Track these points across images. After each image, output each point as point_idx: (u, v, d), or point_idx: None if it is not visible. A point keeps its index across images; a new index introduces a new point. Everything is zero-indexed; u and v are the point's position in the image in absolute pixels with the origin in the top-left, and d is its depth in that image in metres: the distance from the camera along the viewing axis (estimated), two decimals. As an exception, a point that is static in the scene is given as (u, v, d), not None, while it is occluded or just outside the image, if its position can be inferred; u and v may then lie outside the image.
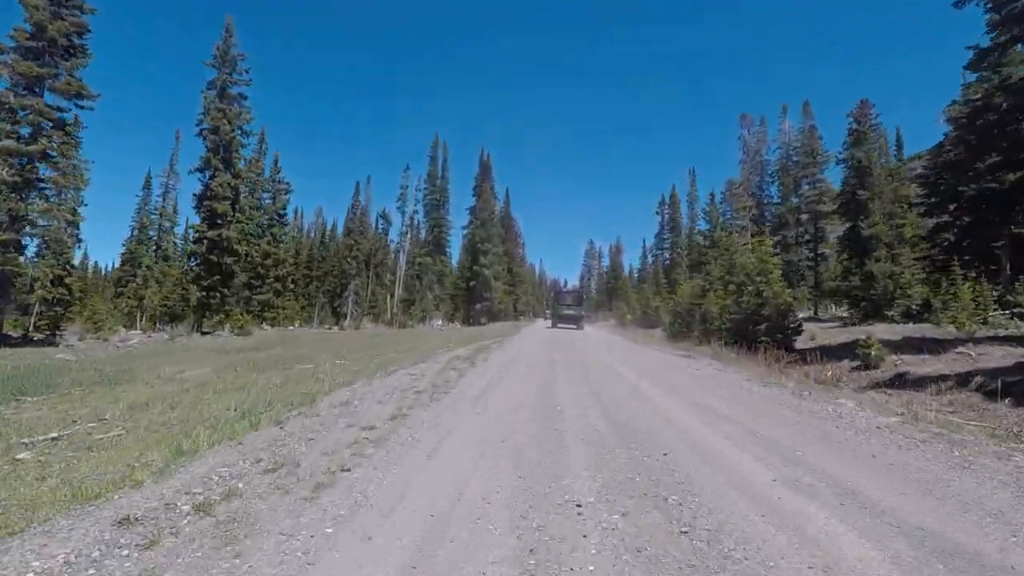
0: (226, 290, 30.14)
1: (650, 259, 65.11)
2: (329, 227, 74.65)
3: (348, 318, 59.83)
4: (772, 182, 53.95)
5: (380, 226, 59.68)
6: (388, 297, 59.34)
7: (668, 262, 59.07)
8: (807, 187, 43.45)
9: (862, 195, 25.30)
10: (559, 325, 27.58)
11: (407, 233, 59.58)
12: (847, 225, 27.86)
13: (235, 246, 30.19)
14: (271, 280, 36.69)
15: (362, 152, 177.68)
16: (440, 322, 52.84)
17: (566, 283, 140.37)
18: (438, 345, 18.34)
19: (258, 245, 37.16)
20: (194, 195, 30.32)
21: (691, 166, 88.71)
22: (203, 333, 29.85)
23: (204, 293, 29.63)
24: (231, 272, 30.34)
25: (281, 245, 37.58)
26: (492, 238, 50.30)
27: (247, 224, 36.59)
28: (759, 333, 18.84)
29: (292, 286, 69.08)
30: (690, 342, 25.43)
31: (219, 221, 30.10)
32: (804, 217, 43.60)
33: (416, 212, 59.06)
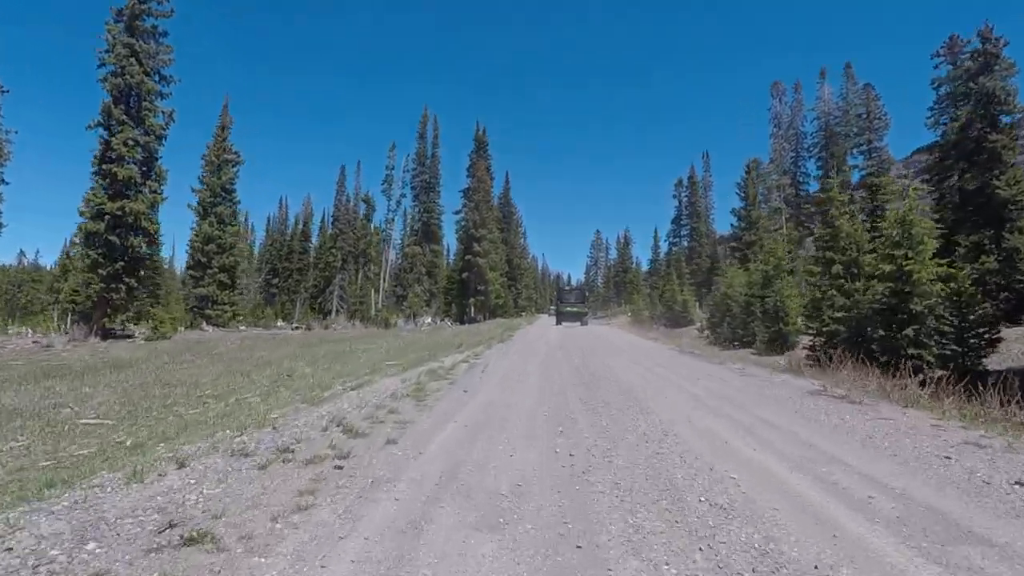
0: (133, 280, 22.53)
1: (666, 248, 57.16)
2: (319, 218, 66.87)
3: (333, 315, 52.43)
4: (809, 156, 46.02)
5: (363, 212, 52.04)
6: (372, 292, 51.74)
7: (688, 250, 51.14)
8: (862, 157, 35.57)
9: (996, 141, 17.45)
10: (563, 323, 28.55)
11: (393, 220, 51.98)
12: (933, 193, 20.22)
13: (145, 223, 22.58)
14: (214, 270, 29.08)
15: (356, 135, 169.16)
16: (429, 320, 45.26)
17: (569, 278, 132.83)
18: (374, 364, 10.70)
19: (197, 228, 29.56)
20: (93, 157, 22.72)
21: (705, 150, 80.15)
22: (106, 336, 22.33)
23: (104, 285, 22.06)
24: (140, 257, 22.75)
25: (228, 228, 30.03)
26: (487, 222, 42.57)
27: (202, 209, 29.07)
28: (903, 342, 11.10)
29: (285, 280, 61.62)
30: (753, 349, 17.71)
31: (126, 191, 22.54)
32: (857, 194, 35.70)
33: (404, 196, 51.45)
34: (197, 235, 28.77)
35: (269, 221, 71.97)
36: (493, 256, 42.68)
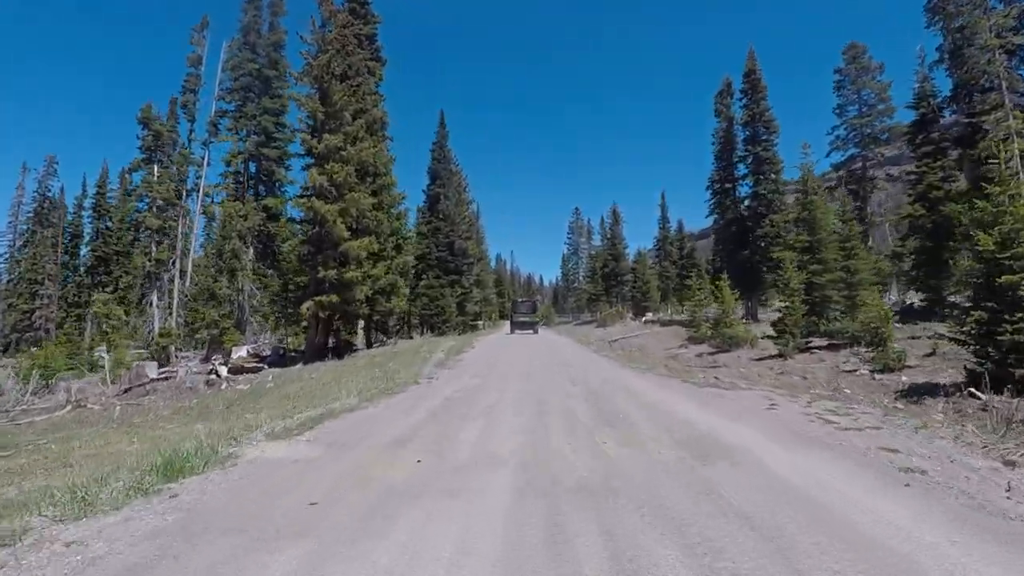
0: None
1: (709, 204, 31.63)
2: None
3: (153, 333, 26.04)
4: None
5: (141, 146, 26.01)
6: (155, 297, 25.65)
7: (764, 197, 26.75)
8: None
9: None
10: (517, 331, 29.92)
11: (204, 160, 26.03)
12: None
13: None
14: None
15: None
16: (245, 352, 19.72)
17: (541, 280, 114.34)
18: None
19: None
20: None
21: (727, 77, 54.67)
22: None
23: None
24: None
25: None
26: (342, 118, 17.36)
27: None
28: None
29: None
30: None
31: None
32: None
33: (223, 116, 25.68)
34: None
35: (82, 194, 44.69)
36: (362, 200, 17.29)
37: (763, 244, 26.97)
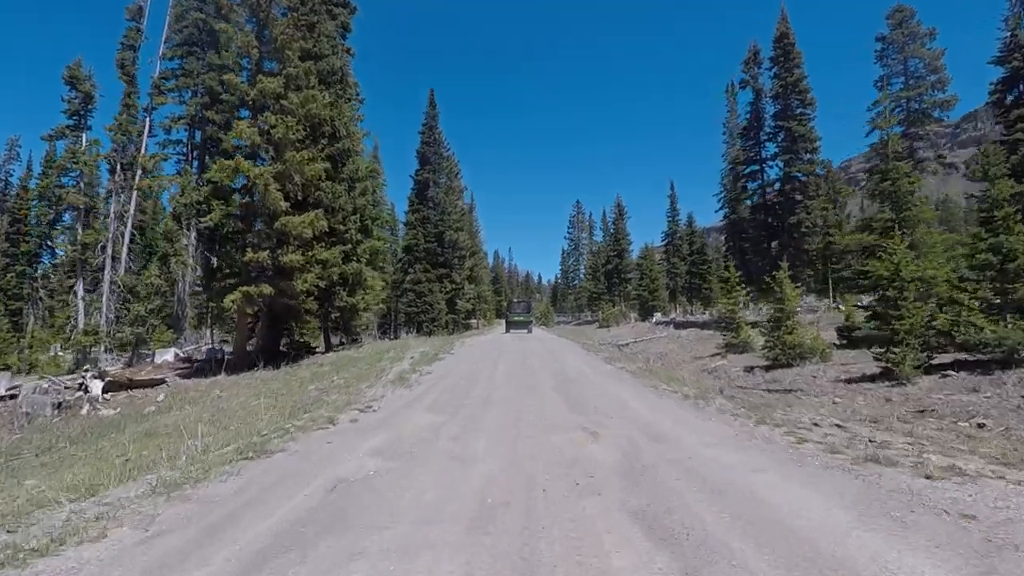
0: None
1: (722, 199, 27.63)
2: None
3: (74, 330, 21.72)
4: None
5: (66, 110, 21.82)
6: (80, 285, 21.48)
7: (798, 179, 22.72)
8: None
9: None
10: (512, 331, 31.27)
11: (144, 127, 21.87)
12: None
13: None
14: None
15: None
16: (170, 356, 15.72)
17: (540, 278, 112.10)
18: None
19: None
20: None
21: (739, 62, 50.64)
22: None
23: None
24: None
25: None
26: (281, 58, 13.33)
27: None
28: None
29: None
30: None
31: None
32: None
33: (174, 76, 21.53)
34: None
35: (26, 174, 40.22)
36: (309, 164, 13.23)
37: (796, 235, 23.07)
